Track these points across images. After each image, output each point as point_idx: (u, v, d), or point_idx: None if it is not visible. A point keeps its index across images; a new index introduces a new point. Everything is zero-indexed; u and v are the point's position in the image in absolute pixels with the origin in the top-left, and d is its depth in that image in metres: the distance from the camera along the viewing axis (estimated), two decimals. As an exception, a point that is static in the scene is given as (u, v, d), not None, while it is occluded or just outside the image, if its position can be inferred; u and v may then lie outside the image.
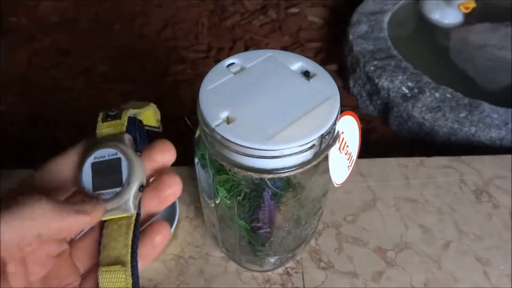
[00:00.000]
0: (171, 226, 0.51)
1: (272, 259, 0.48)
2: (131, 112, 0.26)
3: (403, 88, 0.72)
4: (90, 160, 0.24)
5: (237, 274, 0.50)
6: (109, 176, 0.24)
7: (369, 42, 0.80)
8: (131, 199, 0.24)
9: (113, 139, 0.25)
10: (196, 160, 0.40)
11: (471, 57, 0.82)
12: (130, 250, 0.24)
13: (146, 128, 0.29)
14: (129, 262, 0.24)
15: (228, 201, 0.39)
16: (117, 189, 0.24)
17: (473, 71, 0.80)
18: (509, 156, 0.62)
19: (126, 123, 0.26)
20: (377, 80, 0.74)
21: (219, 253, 0.52)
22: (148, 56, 0.88)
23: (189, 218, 0.55)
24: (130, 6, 0.99)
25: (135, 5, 0.99)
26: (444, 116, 0.68)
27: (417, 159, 0.62)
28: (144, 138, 0.29)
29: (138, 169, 0.25)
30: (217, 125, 0.33)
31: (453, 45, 0.85)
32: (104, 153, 0.24)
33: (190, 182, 0.58)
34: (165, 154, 0.27)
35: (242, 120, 0.33)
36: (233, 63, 0.39)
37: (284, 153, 0.33)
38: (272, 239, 0.44)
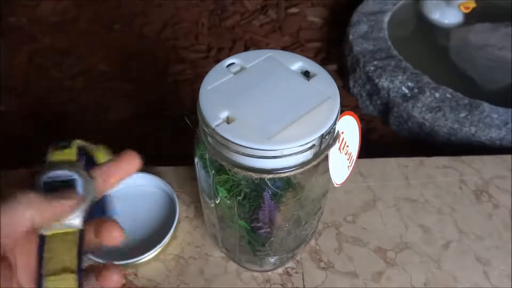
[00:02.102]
0: (171, 226, 0.51)
1: (272, 259, 0.48)
2: (79, 143, 0.27)
3: (403, 88, 0.72)
4: (43, 178, 0.25)
5: (237, 274, 0.50)
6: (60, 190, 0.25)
7: (369, 42, 0.80)
8: (81, 216, 0.26)
9: (67, 163, 0.26)
10: (196, 160, 0.40)
11: (471, 57, 0.82)
12: (76, 261, 0.25)
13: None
14: (76, 269, 0.25)
15: (228, 201, 0.39)
16: None
17: (473, 71, 0.80)
18: (509, 156, 0.62)
19: (77, 152, 0.27)
20: (377, 80, 0.74)
21: (219, 253, 0.52)
22: (148, 56, 0.88)
23: (189, 218, 0.55)
24: (130, 6, 0.99)
25: (135, 5, 0.99)
26: (444, 116, 0.68)
27: (417, 159, 0.62)
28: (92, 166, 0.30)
29: (92, 188, 0.26)
30: (217, 125, 0.33)
31: (453, 45, 0.85)
32: (59, 174, 0.25)
33: (190, 182, 0.58)
34: (130, 163, 0.28)
35: (242, 120, 0.33)
36: (233, 63, 0.39)
37: (284, 153, 0.33)
38: (272, 239, 0.44)
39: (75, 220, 0.25)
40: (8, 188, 0.24)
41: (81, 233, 0.26)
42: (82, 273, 0.25)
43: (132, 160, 0.28)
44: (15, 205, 0.23)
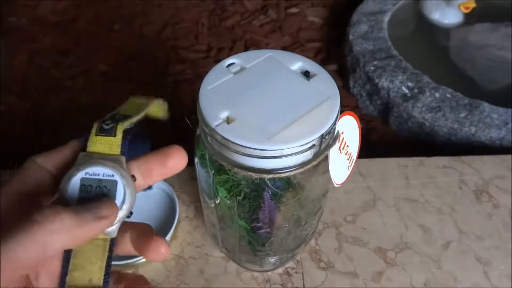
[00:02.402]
0: (171, 226, 0.51)
1: (272, 259, 0.48)
2: (128, 124, 0.25)
3: (403, 88, 0.72)
4: (81, 174, 0.23)
5: (237, 274, 0.50)
6: (100, 196, 0.23)
7: (369, 42, 0.80)
8: (118, 225, 0.24)
9: (110, 159, 0.24)
10: (196, 160, 0.40)
11: (471, 57, 0.82)
12: (104, 273, 0.23)
13: (143, 127, 0.28)
14: (102, 284, 0.23)
15: (228, 201, 0.39)
16: None
17: (473, 71, 0.80)
18: (509, 156, 0.62)
19: (121, 143, 0.24)
20: (377, 80, 0.74)
21: (219, 253, 0.52)
22: (148, 56, 0.88)
23: (189, 218, 0.55)
24: (130, 6, 0.99)
25: (135, 5, 0.99)
26: (444, 116, 0.68)
27: (417, 159, 0.62)
28: (147, 142, 0.28)
29: (132, 196, 0.24)
30: (217, 125, 0.33)
31: (453, 45, 0.85)
32: (99, 171, 0.23)
33: (190, 182, 0.58)
34: (177, 160, 0.26)
35: (242, 120, 0.33)
36: (233, 63, 0.39)
37: (284, 153, 0.33)
38: (272, 239, 0.44)
39: (110, 228, 0.24)
40: (39, 210, 0.21)
41: (113, 241, 0.24)
42: (108, 281, 0.23)
43: (179, 156, 0.26)
44: (47, 236, 0.21)
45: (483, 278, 0.50)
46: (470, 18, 0.89)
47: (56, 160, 0.25)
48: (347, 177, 0.41)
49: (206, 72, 0.38)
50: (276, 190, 0.38)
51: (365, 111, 0.79)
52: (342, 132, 0.37)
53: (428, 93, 0.70)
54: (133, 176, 0.24)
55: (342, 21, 0.91)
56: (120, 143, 0.24)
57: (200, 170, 0.41)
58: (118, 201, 0.23)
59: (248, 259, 0.49)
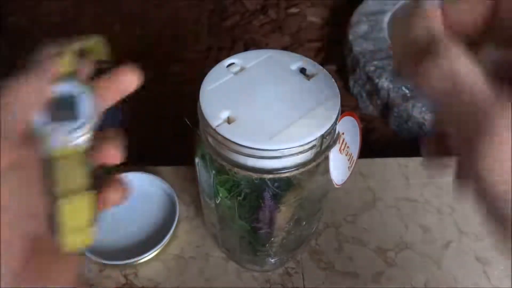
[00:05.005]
0: (171, 226, 0.51)
1: (272, 259, 0.48)
2: (73, 48, 0.26)
3: (403, 88, 0.72)
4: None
5: (237, 274, 0.50)
6: (65, 109, 0.24)
7: (369, 42, 0.80)
8: (87, 136, 0.24)
9: (67, 77, 0.25)
10: (196, 160, 0.40)
11: (471, 57, 0.82)
12: (89, 180, 0.24)
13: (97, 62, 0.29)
14: (91, 187, 0.24)
15: (229, 202, 0.39)
16: (74, 123, 0.24)
17: (473, 71, 0.80)
18: (509, 156, 0.62)
19: (71, 60, 0.26)
20: (377, 80, 0.74)
21: (219, 253, 0.52)
22: (148, 57, 0.88)
23: (189, 218, 0.55)
24: (130, 6, 0.99)
25: (135, 5, 0.99)
26: (444, 116, 0.68)
27: (417, 159, 0.62)
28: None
29: (91, 102, 0.25)
30: (218, 125, 0.33)
31: (453, 45, 0.85)
32: (62, 90, 0.24)
33: (190, 182, 0.58)
34: (129, 77, 0.27)
35: (242, 120, 0.33)
36: (233, 63, 0.39)
37: (284, 153, 0.33)
38: (272, 239, 0.44)
39: (81, 140, 0.24)
40: None
41: (87, 151, 0.24)
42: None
43: (131, 74, 0.27)
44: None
45: (483, 278, 0.50)
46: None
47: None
48: (348, 178, 0.41)
49: (206, 72, 0.38)
50: (277, 190, 0.38)
51: (365, 111, 0.79)
52: (343, 133, 0.37)
53: (428, 93, 0.70)
54: (91, 86, 0.25)
55: (342, 21, 0.91)
56: (70, 61, 0.25)
57: (200, 170, 0.41)
58: (82, 110, 0.24)
59: (248, 259, 0.49)
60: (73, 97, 0.24)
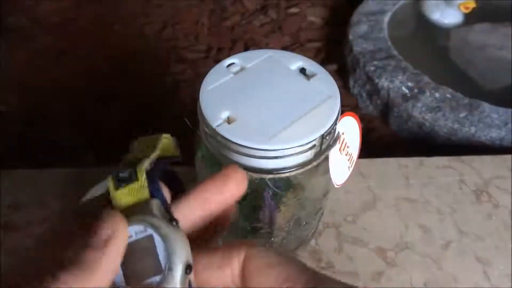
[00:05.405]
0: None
1: (272, 259, 0.48)
2: (147, 164, 0.21)
3: (403, 88, 0.72)
4: None
5: (237, 274, 0.50)
6: (142, 261, 0.19)
7: (369, 42, 0.80)
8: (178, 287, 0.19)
9: (136, 211, 0.19)
10: (196, 160, 0.40)
11: (471, 57, 0.82)
12: None
13: (166, 160, 0.23)
14: None
15: (229, 201, 0.39)
16: (157, 277, 0.19)
17: (473, 71, 0.80)
18: (509, 156, 0.62)
19: (146, 184, 0.20)
20: (377, 80, 0.74)
21: (219, 253, 0.52)
22: (148, 56, 0.88)
23: (189, 218, 0.55)
24: (130, 6, 0.99)
25: (135, 5, 0.99)
26: (444, 116, 0.68)
27: (417, 159, 0.61)
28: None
29: (178, 245, 0.19)
30: (218, 125, 0.33)
31: (453, 45, 0.85)
32: (129, 232, 0.19)
33: (190, 182, 0.58)
34: (236, 183, 0.21)
35: (242, 120, 0.33)
36: (233, 63, 0.39)
37: (284, 153, 0.33)
38: (272, 239, 0.44)
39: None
40: None
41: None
42: None
43: (239, 178, 0.22)
44: None
45: (483, 278, 0.50)
46: (470, 18, 0.89)
47: None
48: (348, 178, 0.41)
49: (206, 72, 0.38)
50: (277, 190, 0.38)
51: (365, 111, 0.79)
52: (343, 133, 0.37)
53: (428, 93, 0.70)
54: (173, 219, 0.20)
55: (342, 21, 0.91)
56: (145, 184, 0.20)
57: (200, 171, 0.41)
58: (161, 257, 0.19)
59: (248, 259, 0.49)
60: (151, 240, 0.19)
